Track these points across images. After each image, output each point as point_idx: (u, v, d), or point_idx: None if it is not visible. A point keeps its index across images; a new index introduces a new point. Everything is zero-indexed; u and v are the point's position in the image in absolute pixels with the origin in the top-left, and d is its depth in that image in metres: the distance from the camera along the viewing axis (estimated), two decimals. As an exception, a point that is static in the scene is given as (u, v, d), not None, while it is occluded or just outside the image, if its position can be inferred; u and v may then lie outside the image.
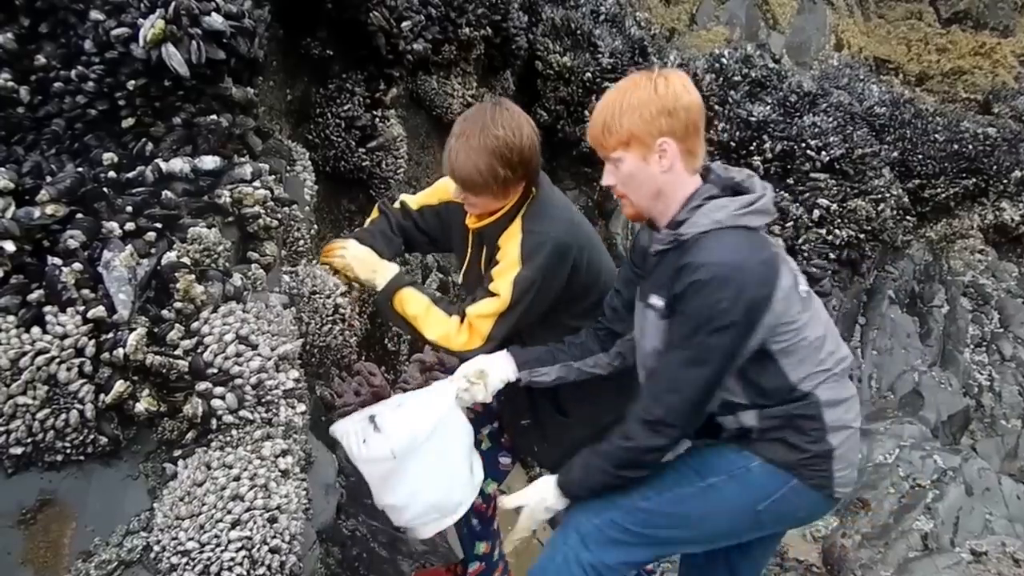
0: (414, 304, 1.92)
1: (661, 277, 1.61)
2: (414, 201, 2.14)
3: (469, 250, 2.04)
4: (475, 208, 1.91)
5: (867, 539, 3.86)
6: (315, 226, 2.23)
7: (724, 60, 5.66)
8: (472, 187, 1.82)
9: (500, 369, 1.84)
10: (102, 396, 1.34)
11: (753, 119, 5.31)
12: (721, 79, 5.53)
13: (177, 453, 1.42)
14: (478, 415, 2.18)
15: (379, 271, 1.96)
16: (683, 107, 1.55)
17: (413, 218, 2.13)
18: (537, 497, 1.74)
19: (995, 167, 6.03)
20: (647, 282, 1.68)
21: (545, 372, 1.86)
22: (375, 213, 2.19)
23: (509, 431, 2.18)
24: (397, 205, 2.17)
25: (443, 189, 2.08)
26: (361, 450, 1.74)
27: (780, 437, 1.64)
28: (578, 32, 5.14)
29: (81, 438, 1.33)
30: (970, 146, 5.93)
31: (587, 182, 5.50)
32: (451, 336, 1.90)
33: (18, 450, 1.29)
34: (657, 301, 1.63)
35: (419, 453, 1.78)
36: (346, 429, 1.81)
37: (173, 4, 1.63)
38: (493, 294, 1.87)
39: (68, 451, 1.34)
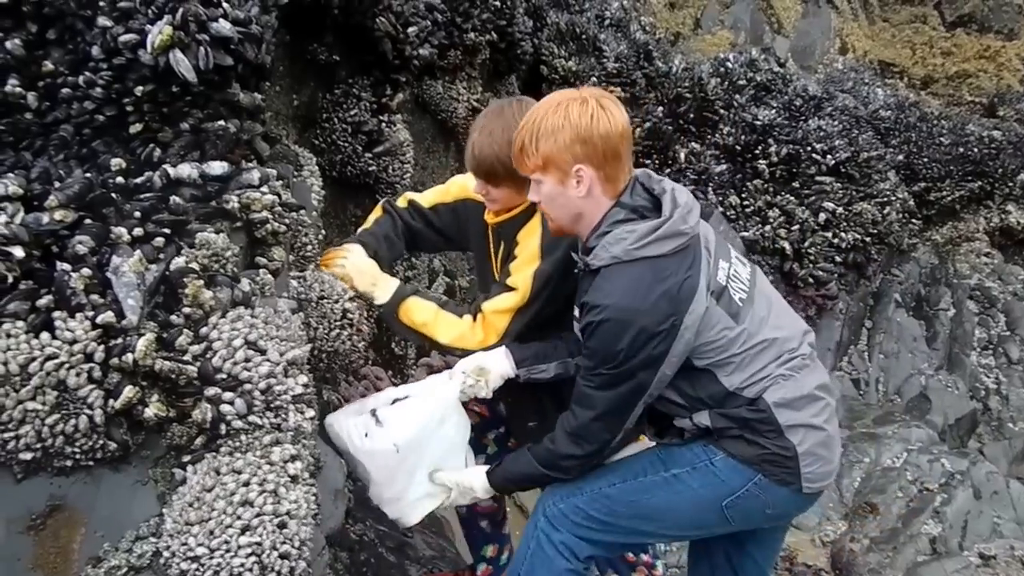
0: (422, 312, 1.92)
1: (581, 296, 1.65)
2: (426, 200, 2.13)
3: (490, 247, 2.03)
4: (496, 204, 1.90)
5: (875, 543, 3.85)
6: (323, 231, 2.22)
7: (729, 64, 5.67)
8: (495, 179, 1.82)
9: (499, 365, 1.84)
10: (111, 401, 1.34)
11: (758, 123, 5.31)
12: (726, 83, 5.54)
13: (186, 458, 1.42)
14: (484, 419, 2.18)
15: (379, 284, 1.95)
16: (599, 135, 1.55)
17: (426, 217, 2.11)
18: (467, 482, 1.82)
19: (1000, 170, 6.03)
20: (579, 291, 1.69)
21: (544, 368, 1.86)
22: (378, 211, 2.16)
23: (516, 433, 2.17)
24: (403, 203, 2.15)
25: (459, 186, 2.08)
26: (364, 443, 1.75)
27: (739, 435, 1.65)
28: (583, 37, 5.16)
29: (90, 443, 1.33)
30: (975, 149, 5.94)
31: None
32: (465, 336, 1.89)
33: (28, 455, 1.29)
34: (577, 315, 1.66)
35: (421, 447, 1.80)
36: (343, 423, 1.81)
37: (181, 10, 1.63)
38: (510, 288, 1.85)
39: (77, 456, 1.34)
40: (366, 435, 1.75)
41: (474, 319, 1.89)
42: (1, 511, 1.32)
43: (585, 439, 1.67)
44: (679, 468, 1.70)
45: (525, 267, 1.84)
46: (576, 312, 1.69)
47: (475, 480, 1.83)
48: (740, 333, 1.61)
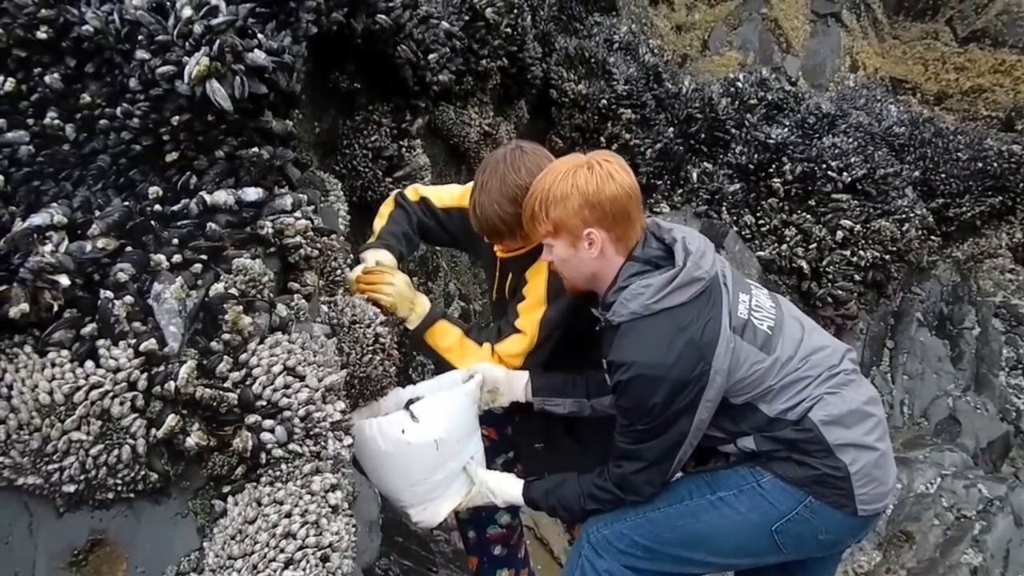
0: (447, 337, 1.95)
1: (605, 351, 1.66)
2: (438, 199, 2.13)
3: (496, 274, 2.05)
4: (502, 247, 1.94)
5: (912, 574, 3.72)
6: (351, 255, 2.22)
7: (740, 84, 5.68)
8: (499, 236, 1.85)
9: (514, 392, 1.87)
10: (153, 431, 1.32)
11: (771, 141, 5.30)
12: (737, 102, 5.54)
13: (226, 489, 1.39)
14: (493, 443, 2.18)
15: (416, 307, 1.96)
16: (607, 199, 1.58)
17: (438, 217, 2.12)
18: (499, 488, 1.83)
19: (1022, 184, 5.96)
20: (603, 346, 1.69)
21: (558, 403, 1.89)
22: (391, 205, 2.16)
23: (523, 454, 2.16)
24: (414, 196, 2.15)
25: None
26: (402, 438, 1.72)
27: (787, 456, 1.62)
28: (592, 60, 5.20)
29: (132, 474, 1.31)
30: (995, 164, 5.87)
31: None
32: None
33: (71, 488, 1.27)
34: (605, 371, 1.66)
35: (457, 443, 1.81)
36: (371, 423, 1.78)
37: (218, 42, 1.65)
38: (519, 330, 1.89)
39: (119, 488, 1.32)
40: (403, 431, 1.72)
41: (492, 351, 1.93)
42: (43, 546, 1.29)
43: (629, 491, 1.68)
44: (725, 491, 1.66)
45: (532, 311, 1.87)
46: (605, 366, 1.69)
47: (510, 488, 1.84)
48: (773, 363, 1.59)
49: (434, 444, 1.74)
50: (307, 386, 1.47)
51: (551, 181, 1.62)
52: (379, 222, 2.13)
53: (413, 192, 2.16)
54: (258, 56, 1.73)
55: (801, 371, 1.61)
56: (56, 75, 1.70)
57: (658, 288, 1.55)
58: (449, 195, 2.14)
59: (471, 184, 2.04)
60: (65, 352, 1.30)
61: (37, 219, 1.42)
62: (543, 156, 1.84)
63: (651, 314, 1.54)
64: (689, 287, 1.56)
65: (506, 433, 2.17)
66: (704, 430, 1.62)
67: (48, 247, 1.36)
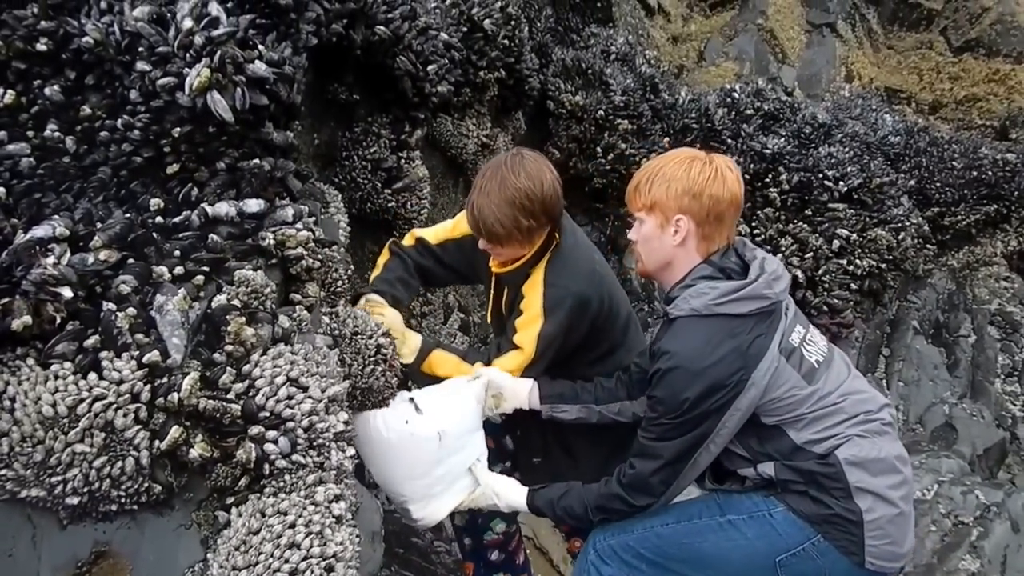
0: (444, 365, 1.96)
1: (655, 342, 1.67)
2: (433, 236, 2.15)
3: (492, 292, 2.07)
4: (501, 256, 1.94)
5: (911, 581, 3.72)
6: (351, 267, 2.23)
7: (736, 94, 5.71)
8: (497, 240, 1.85)
9: (517, 398, 1.89)
10: (157, 442, 1.32)
11: (768, 151, 5.32)
12: (733, 113, 5.57)
13: (229, 500, 1.39)
14: (491, 451, 2.17)
15: (406, 343, 1.97)
16: (710, 195, 1.61)
17: (434, 254, 2.14)
18: (502, 490, 1.84)
19: (1016, 192, 5.98)
20: (655, 338, 1.71)
21: (566, 410, 1.89)
22: (385, 255, 2.19)
23: (521, 468, 2.16)
24: (410, 241, 2.18)
25: (465, 222, 2.09)
26: (404, 428, 1.73)
27: (803, 490, 1.60)
28: (589, 72, 5.23)
29: (135, 486, 1.31)
30: (989, 172, 5.90)
31: (599, 217, 5.53)
32: None
33: (74, 500, 1.27)
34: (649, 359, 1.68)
35: (460, 437, 1.82)
36: (374, 413, 1.78)
37: (219, 53, 1.66)
38: (517, 346, 1.90)
39: (122, 500, 1.31)
40: (407, 422, 1.72)
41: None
42: (46, 559, 1.29)
43: (640, 491, 1.67)
44: (736, 515, 1.65)
45: (530, 326, 1.88)
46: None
47: (514, 493, 1.84)
48: (812, 393, 1.59)
49: (437, 436, 1.75)
50: (310, 397, 1.47)
51: (668, 160, 1.65)
52: (374, 273, 2.18)
53: (409, 236, 2.20)
54: (259, 67, 1.73)
55: (837, 407, 1.60)
56: (56, 87, 1.71)
57: (724, 293, 1.57)
58: (443, 228, 2.18)
59: (460, 214, 2.08)
60: (68, 364, 1.30)
61: (39, 231, 1.42)
62: (543, 163, 1.85)
63: (709, 315, 1.56)
64: (752, 301, 1.57)
65: (504, 443, 2.18)
66: (726, 441, 1.61)
67: (50, 259, 1.36)
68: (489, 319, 2.13)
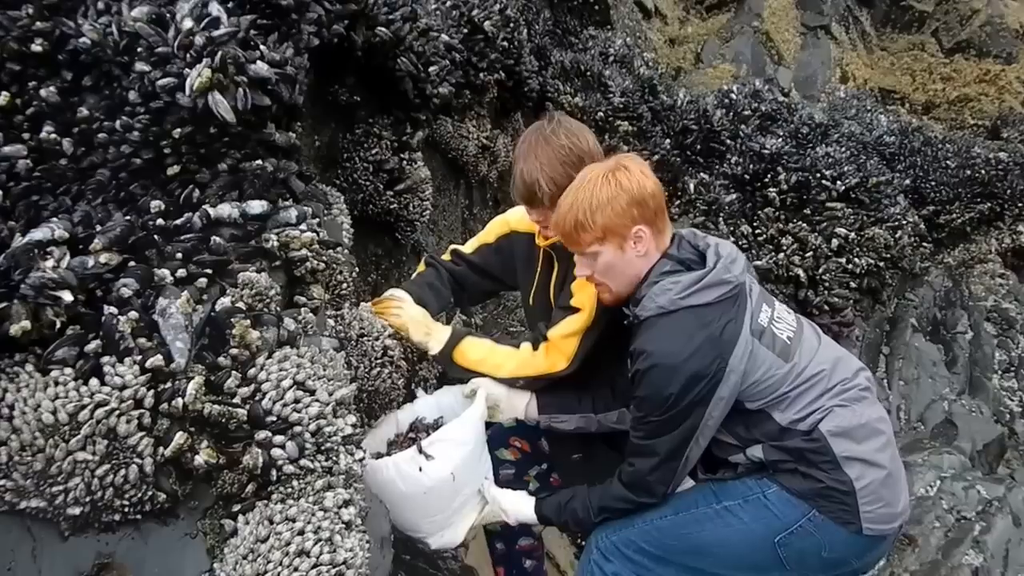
0: (476, 350, 1.93)
1: (631, 344, 1.67)
2: (467, 246, 2.17)
3: (538, 273, 2.02)
4: (544, 232, 1.91)
5: (916, 577, 3.71)
6: (356, 268, 2.21)
7: (733, 95, 5.72)
8: (551, 200, 1.80)
9: (514, 408, 1.89)
10: (161, 449, 1.28)
11: (766, 152, 5.33)
12: (731, 114, 5.58)
13: (236, 507, 1.35)
14: (525, 455, 2.16)
15: (433, 333, 1.95)
16: (649, 195, 1.64)
17: (469, 261, 2.14)
18: (512, 508, 1.84)
19: (1009, 191, 6.03)
20: (630, 341, 1.71)
21: (565, 420, 1.90)
22: (421, 267, 2.20)
23: (561, 466, 2.13)
24: (447, 256, 2.18)
25: (499, 223, 2.11)
26: (421, 477, 1.72)
27: (793, 468, 1.63)
28: (588, 74, 5.23)
29: (139, 495, 1.27)
30: (983, 171, 5.94)
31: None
32: (528, 363, 1.88)
33: (76, 510, 1.23)
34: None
35: (470, 468, 1.83)
36: (387, 464, 1.76)
37: (220, 53, 1.63)
38: (575, 309, 1.85)
39: (126, 509, 1.27)
40: (420, 469, 1.72)
41: (535, 347, 1.90)
42: (47, 572, 1.24)
43: (642, 489, 1.69)
44: (731, 500, 1.68)
45: (588, 286, 1.82)
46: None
47: (522, 506, 1.84)
48: (790, 370, 1.62)
49: (451, 476, 1.76)
50: (317, 400, 1.43)
51: (591, 189, 1.63)
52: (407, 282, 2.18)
53: (447, 253, 2.21)
54: (260, 68, 1.71)
55: (815, 381, 1.63)
56: (52, 88, 1.68)
57: (686, 286, 1.58)
58: (476, 237, 2.19)
59: (491, 222, 2.09)
60: (68, 370, 1.26)
61: (38, 234, 1.39)
62: (580, 124, 1.88)
63: (677, 310, 1.57)
64: (716, 288, 1.59)
65: (540, 445, 2.15)
66: (715, 430, 1.64)
67: (49, 263, 1.32)
68: (532, 303, 2.07)
